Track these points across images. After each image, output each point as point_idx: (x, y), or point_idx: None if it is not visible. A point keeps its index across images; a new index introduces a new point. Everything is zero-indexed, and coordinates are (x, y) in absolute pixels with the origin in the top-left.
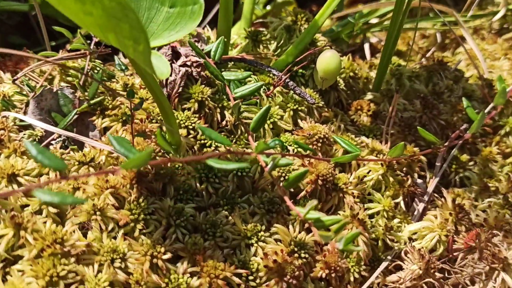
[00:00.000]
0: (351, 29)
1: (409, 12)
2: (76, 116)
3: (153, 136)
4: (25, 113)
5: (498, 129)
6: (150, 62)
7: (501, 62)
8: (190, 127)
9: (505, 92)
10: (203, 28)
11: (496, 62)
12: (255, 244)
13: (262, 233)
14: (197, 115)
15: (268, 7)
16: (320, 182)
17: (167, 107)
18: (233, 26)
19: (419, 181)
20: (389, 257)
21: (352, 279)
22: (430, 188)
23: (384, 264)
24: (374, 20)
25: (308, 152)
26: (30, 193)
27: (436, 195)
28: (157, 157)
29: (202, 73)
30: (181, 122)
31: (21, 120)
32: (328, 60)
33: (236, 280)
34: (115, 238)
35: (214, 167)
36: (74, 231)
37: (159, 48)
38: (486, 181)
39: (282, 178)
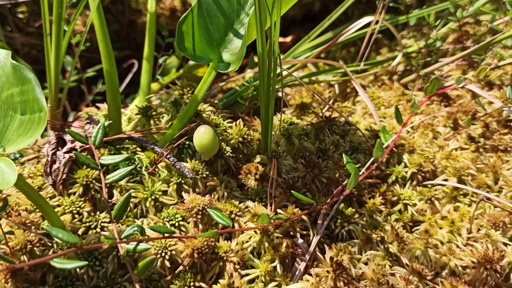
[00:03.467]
0: (247, 92)
1: (311, 65)
2: None
3: (33, 227)
4: None
5: (387, 178)
6: None
7: (394, 109)
8: (75, 211)
9: (382, 145)
10: (104, 104)
11: (389, 109)
12: None
13: None
14: (82, 199)
15: (181, 71)
16: (196, 255)
17: (40, 201)
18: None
19: (300, 241)
20: None
21: None
22: (312, 246)
23: None
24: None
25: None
26: None
27: (318, 253)
28: (35, 248)
29: (89, 156)
30: (65, 208)
31: None
32: (201, 136)
33: None
34: None
35: (57, 267)
36: None
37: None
38: (369, 232)
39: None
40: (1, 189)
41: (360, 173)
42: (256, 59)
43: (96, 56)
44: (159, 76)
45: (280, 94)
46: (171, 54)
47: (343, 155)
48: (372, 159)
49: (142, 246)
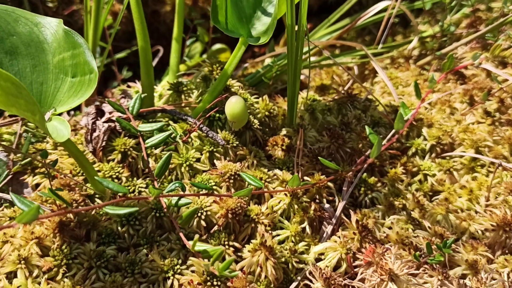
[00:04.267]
0: (271, 72)
1: (333, 46)
2: (10, 176)
3: (77, 189)
4: None
5: (406, 150)
6: (46, 129)
7: (411, 88)
8: (114, 176)
9: (402, 118)
10: (136, 83)
11: (407, 88)
12: (172, 277)
13: (178, 266)
14: (121, 165)
15: (204, 56)
16: (230, 215)
17: (85, 162)
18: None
19: (327, 205)
20: (299, 278)
21: None
22: (338, 211)
23: (294, 284)
24: None
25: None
26: None
27: (344, 217)
28: (80, 207)
29: None
30: (105, 172)
31: None
32: (233, 105)
33: None
34: (39, 283)
35: (109, 213)
36: (0, 280)
37: (92, 103)
38: (392, 200)
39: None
40: (58, 141)
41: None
42: (282, 42)
43: (121, 45)
44: (186, 58)
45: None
46: (195, 40)
47: (366, 126)
48: (393, 131)
49: (184, 200)
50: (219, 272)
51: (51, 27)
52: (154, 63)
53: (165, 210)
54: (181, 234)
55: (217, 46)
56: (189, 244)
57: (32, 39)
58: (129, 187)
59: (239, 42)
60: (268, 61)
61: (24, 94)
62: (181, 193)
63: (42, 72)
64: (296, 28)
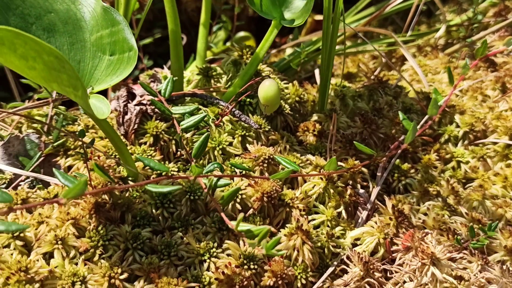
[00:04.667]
0: (299, 58)
1: (355, 36)
2: (42, 158)
3: (110, 171)
4: None
5: (438, 138)
6: (89, 104)
7: (441, 75)
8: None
9: (437, 103)
10: (163, 68)
11: (437, 75)
12: (208, 260)
13: (214, 249)
14: (153, 148)
15: (228, 44)
16: (265, 199)
17: (119, 143)
18: (193, 62)
19: (362, 191)
20: (335, 263)
21: (299, 285)
22: (373, 197)
23: (330, 269)
24: None
25: (247, 172)
26: None
27: (379, 202)
28: (111, 190)
29: (156, 109)
30: (138, 155)
31: None
32: (266, 88)
33: None
34: (76, 264)
35: (152, 191)
36: (38, 260)
37: (119, 90)
38: (426, 186)
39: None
40: (99, 118)
41: None
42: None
43: (141, 33)
44: (212, 44)
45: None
46: (221, 27)
47: (399, 112)
48: (426, 117)
49: (223, 181)
50: (266, 251)
51: (88, 5)
52: None
53: (205, 190)
54: (222, 214)
55: (241, 34)
56: (231, 224)
57: (69, 17)
58: (162, 172)
59: (272, 25)
60: (289, 51)
61: (67, 68)
62: (219, 173)
63: (80, 50)
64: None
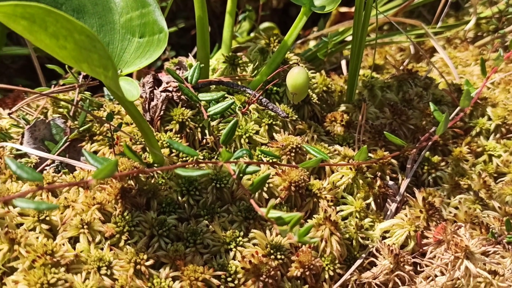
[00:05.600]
0: (326, 48)
1: (385, 29)
2: (67, 143)
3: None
4: (21, 143)
5: (469, 131)
6: (119, 86)
7: (472, 67)
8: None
9: (469, 94)
10: (187, 57)
11: (467, 68)
12: (234, 249)
13: (240, 238)
14: (178, 135)
15: (252, 34)
16: (293, 188)
17: (146, 128)
18: (216, 52)
19: (391, 182)
20: (363, 255)
21: (327, 276)
22: (402, 189)
23: (358, 262)
24: (350, 38)
25: (275, 160)
26: (10, 202)
27: (408, 195)
28: (140, 174)
29: (182, 96)
30: (164, 142)
31: (17, 150)
32: (295, 76)
33: (215, 281)
34: (102, 249)
35: (182, 175)
36: (63, 244)
37: (144, 76)
38: (457, 179)
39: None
40: (129, 99)
41: None
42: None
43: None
44: (237, 33)
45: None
46: (245, 17)
47: (430, 103)
48: (457, 109)
49: (252, 168)
50: (298, 238)
51: None
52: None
53: (233, 176)
54: (252, 201)
55: (266, 24)
56: (261, 211)
57: None
58: (187, 158)
59: (301, 12)
60: (313, 43)
61: (98, 48)
62: (248, 160)
63: (109, 32)
64: None
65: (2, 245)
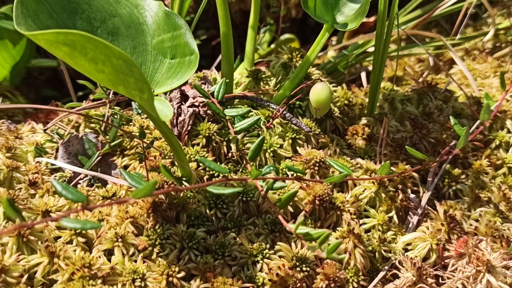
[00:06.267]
0: (346, 60)
1: (404, 39)
2: (99, 157)
3: None
4: (55, 158)
5: (489, 143)
6: (154, 107)
7: (491, 80)
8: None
9: (489, 108)
10: (211, 71)
11: (486, 80)
12: (261, 261)
13: (266, 251)
14: (205, 149)
15: (272, 46)
16: (317, 202)
17: (176, 144)
18: (238, 66)
19: (412, 196)
20: (386, 267)
21: None
22: (423, 202)
23: (381, 274)
24: (371, 49)
25: (301, 175)
26: (58, 223)
27: (429, 208)
28: (170, 188)
29: (208, 111)
30: (191, 156)
31: (52, 164)
32: (318, 91)
33: None
34: (135, 261)
35: (214, 192)
36: (100, 257)
37: (170, 91)
38: (477, 192)
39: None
40: (163, 119)
41: None
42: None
43: None
44: (258, 46)
45: (370, 68)
46: (266, 30)
47: (450, 117)
48: (477, 122)
49: (279, 184)
50: (327, 254)
51: (150, 9)
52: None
53: (262, 192)
54: (280, 217)
55: (286, 36)
56: (289, 227)
57: (132, 21)
58: (214, 172)
59: (323, 28)
60: (331, 53)
61: (134, 72)
62: (274, 176)
63: (141, 53)
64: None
65: (42, 258)
